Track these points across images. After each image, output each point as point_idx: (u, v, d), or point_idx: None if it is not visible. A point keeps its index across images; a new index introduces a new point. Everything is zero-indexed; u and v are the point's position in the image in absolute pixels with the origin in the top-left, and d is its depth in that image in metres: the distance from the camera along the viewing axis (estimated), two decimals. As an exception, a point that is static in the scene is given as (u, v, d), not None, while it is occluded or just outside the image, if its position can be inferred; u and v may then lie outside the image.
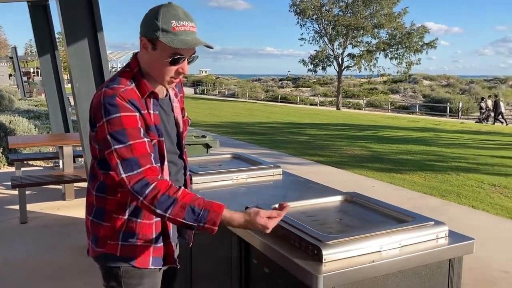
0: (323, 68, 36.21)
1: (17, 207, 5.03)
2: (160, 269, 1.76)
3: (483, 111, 25.01)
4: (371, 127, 17.20)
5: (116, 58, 38.41)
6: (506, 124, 23.31)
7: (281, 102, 40.34)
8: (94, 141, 1.61)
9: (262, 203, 2.33)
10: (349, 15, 34.16)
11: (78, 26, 3.76)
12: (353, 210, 2.18)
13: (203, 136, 5.16)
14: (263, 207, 2.14)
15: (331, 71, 38.92)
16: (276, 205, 2.18)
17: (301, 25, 36.03)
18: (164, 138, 1.66)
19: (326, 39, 35.32)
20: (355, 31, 33.70)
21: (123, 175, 1.48)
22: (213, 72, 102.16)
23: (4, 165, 7.67)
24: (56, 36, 8.52)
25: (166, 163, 1.67)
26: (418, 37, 33.05)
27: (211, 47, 1.62)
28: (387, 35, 34.00)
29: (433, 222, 1.93)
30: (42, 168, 7.69)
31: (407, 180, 7.44)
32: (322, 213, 2.14)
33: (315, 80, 54.39)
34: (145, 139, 1.53)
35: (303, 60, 36.92)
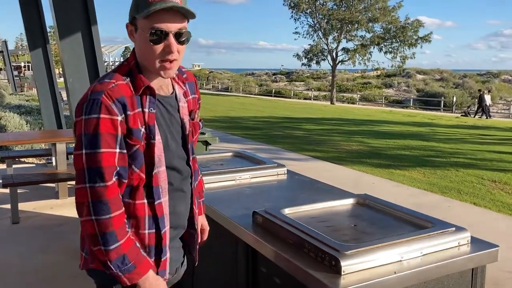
0: (317, 63, 36.14)
1: (8, 206, 4.87)
2: None
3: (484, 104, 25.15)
4: (367, 122, 17.13)
5: (108, 52, 38.05)
6: (487, 118, 23.54)
7: (275, 96, 40.22)
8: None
9: (270, 205, 2.21)
10: (343, 9, 34.01)
11: (71, 19, 3.60)
12: (367, 214, 2.06)
13: (202, 133, 5.01)
14: (272, 210, 2.02)
15: (325, 65, 38.80)
16: (286, 209, 2.06)
17: (295, 19, 35.89)
18: (165, 139, 1.50)
19: (320, 33, 35.19)
20: (349, 25, 33.59)
21: (87, 185, 1.35)
22: (207, 66, 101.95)
23: (-5, 162, 7.49)
24: (48, 29, 8.31)
25: (158, 169, 1.47)
26: (412, 31, 33.01)
27: (191, 13, 1.41)
28: (382, 29, 33.94)
29: (454, 228, 1.82)
30: (34, 165, 7.51)
31: (406, 176, 7.35)
32: (335, 218, 2.02)
33: (308, 74, 54.23)
34: (117, 150, 1.38)
35: (297, 54, 36.81)
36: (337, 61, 35.03)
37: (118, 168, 1.39)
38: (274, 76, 57.48)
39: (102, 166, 1.35)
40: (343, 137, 12.07)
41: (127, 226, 1.41)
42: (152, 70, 1.45)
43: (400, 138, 12.18)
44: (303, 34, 36.59)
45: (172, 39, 1.40)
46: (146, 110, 1.44)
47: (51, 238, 4.39)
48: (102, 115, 1.35)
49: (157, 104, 1.49)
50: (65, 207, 5.29)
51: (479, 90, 26.51)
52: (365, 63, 34.53)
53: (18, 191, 4.93)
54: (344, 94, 40.72)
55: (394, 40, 33.52)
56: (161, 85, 1.53)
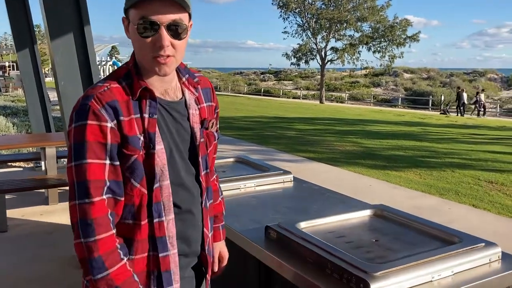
0: (306, 62, 36.12)
1: (-4, 214, 4.67)
2: None
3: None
4: (358, 122, 17.08)
5: (96, 52, 37.59)
6: (462, 115, 23.90)
7: (264, 95, 40.10)
8: None
9: (280, 218, 2.08)
10: (332, 8, 33.98)
11: (63, 19, 3.43)
12: (387, 228, 1.93)
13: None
14: (286, 225, 1.89)
15: (314, 64, 38.85)
16: (302, 224, 1.93)
17: (284, 19, 35.77)
18: (169, 150, 1.31)
19: (309, 33, 35.13)
20: (338, 25, 33.59)
21: (76, 202, 1.18)
22: (194, 65, 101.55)
23: (-19, 166, 7.24)
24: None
25: (161, 183, 1.29)
26: (401, 30, 33.13)
27: (186, 3, 1.24)
28: (370, 29, 34.01)
29: (484, 244, 1.70)
30: (21, 169, 7.27)
31: (402, 178, 7.27)
32: (353, 233, 1.89)
33: (296, 74, 54.26)
34: (106, 162, 1.21)
35: (286, 54, 36.74)
36: (326, 61, 35.02)
37: (108, 183, 1.21)
38: (262, 75, 57.42)
39: (87, 179, 1.18)
40: (336, 137, 11.99)
41: (121, 252, 1.22)
42: (147, 68, 1.28)
43: (393, 138, 12.13)
44: (292, 34, 36.57)
45: (163, 31, 1.22)
46: (146, 115, 1.26)
47: (42, 246, 4.20)
48: (89, 121, 1.19)
49: (161, 109, 1.31)
50: (55, 213, 5.09)
51: (458, 88, 26.97)
52: (354, 62, 34.59)
53: (6, 196, 4.73)
54: (333, 93, 40.77)
55: (382, 40, 33.61)
56: (167, 89, 1.34)
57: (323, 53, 34.99)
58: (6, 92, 23.09)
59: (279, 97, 38.95)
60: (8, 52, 43.52)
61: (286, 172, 2.86)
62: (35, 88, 7.20)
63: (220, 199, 1.67)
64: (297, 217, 2.15)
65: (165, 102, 1.33)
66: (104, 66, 37.44)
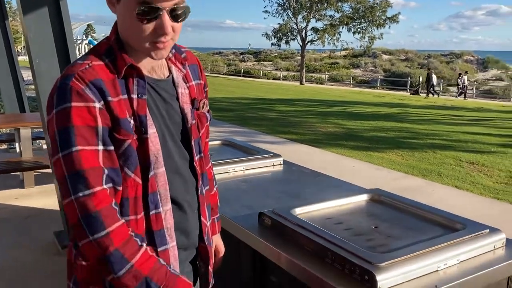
0: (287, 42, 35.83)
1: (-32, 198, 4.47)
2: None
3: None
4: (339, 103, 17.08)
5: (71, 30, 36.49)
6: (438, 96, 24.39)
7: (244, 76, 39.78)
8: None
9: (273, 203, 1.99)
10: (312, -13, 33.66)
11: (36, -9, 3.21)
12: (385, 214, 1.86)
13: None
14: (281, 211, 1.79)
15: (295, 45, 38.63)
16: (297, 210, 1.84)
17: (264, -3, 35.34)
18: (161, 133, 1.18)
19: (289, 12, 34.80)
20: (318, 4, 33.32)
21: (73, 197, 1.03)
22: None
23: (-48, 148, 6.94)
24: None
25: (156, 171, 1.16)
26: (380, 11, 33.08)
27: None
28: (351, 9, 33.86)
29: (488, 230, 1.64)
30: (-5, 151, 7.01)
31: (385, 159, 7.27)
32: (351, 219, 1.81)
33: (276, 54, 53.88)
34: (99, 147, 1.07)
35: (266, 34, 36.41)
36: (306, 41, 34.82)
37: (106, 171, 1.06)
38: (242, 56, 56.82)
39: (82, 168, 1.03)
40: (318, 119, 11.95)
41: (137, 240, 1.09)
42: (140, 49, 1.14)
43: (374, 119, 12.16)
44: (272, 13, 36.15)
45: (166, 17, 1.09)
46: (134, 96, 1.12)
47: (20, 232, 4.03)
48: (73, 104, 1.04)
49: (149, 89, 1.17)
50: (31, 197, 4.90)
51: (428, 69, 27.35)
52: (334, 43, 34.49)
53: (-21, 181, 4.53)
54: (313, 75, 40.68)
55: (362, 20, 33.52)
56: (153, 66, 1.21)
57: (303, 34, 34.77)
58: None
59: (259, 78, 38.70)
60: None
61: (276, 155, 2.76)
62: (7, 66, 6.91)
63: (215, 189, 1.53)
64: (291, 202, 2.06)
65: (152, 81, 1.19)
66: (80, 45, 36.46)
